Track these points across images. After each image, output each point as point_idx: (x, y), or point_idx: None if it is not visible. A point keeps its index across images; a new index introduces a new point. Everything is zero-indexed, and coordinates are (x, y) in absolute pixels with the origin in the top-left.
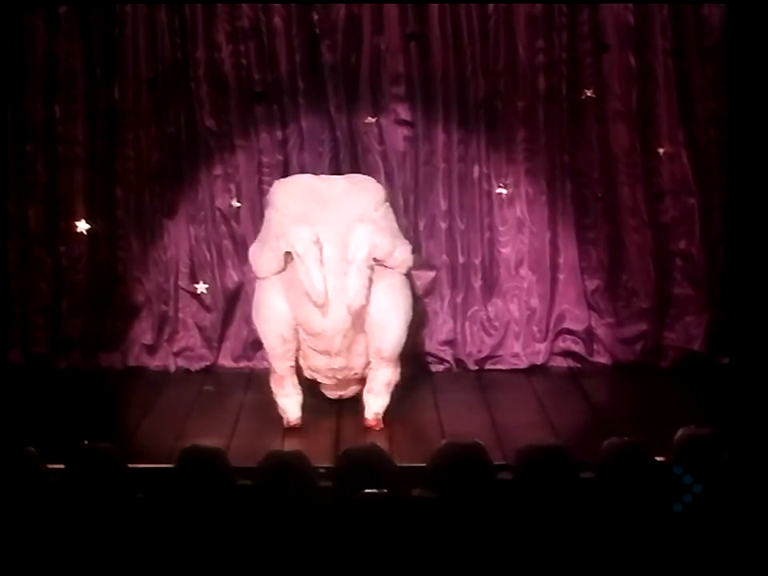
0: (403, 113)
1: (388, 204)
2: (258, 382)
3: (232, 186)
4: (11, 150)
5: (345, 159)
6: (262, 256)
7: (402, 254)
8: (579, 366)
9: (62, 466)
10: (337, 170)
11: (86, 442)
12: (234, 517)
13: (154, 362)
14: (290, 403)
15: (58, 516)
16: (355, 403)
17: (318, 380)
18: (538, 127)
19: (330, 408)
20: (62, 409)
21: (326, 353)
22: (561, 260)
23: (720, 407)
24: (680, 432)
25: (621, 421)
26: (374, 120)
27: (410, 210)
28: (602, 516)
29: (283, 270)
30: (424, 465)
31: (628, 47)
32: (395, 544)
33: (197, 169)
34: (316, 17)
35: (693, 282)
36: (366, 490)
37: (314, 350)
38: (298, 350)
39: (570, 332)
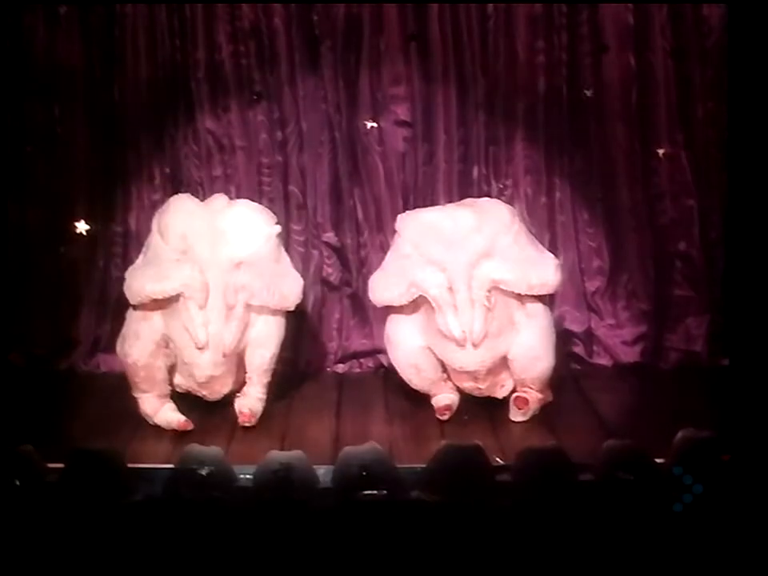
0: (403, 113)
1: (517, 226)
2: None
3: (232, 187)
4: (11, 150)
5: (344, 160)
6: (382, 284)
7: (539, 279)
8: (579, 367)
9: (61, 465)
10: (336, 171)
11: (86, 442)
12: (234, 517)
13: None
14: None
15: (58, 516)
16: (355, 403)
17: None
18: (537, 128)
19: (330, 409)
20: (63, 410)
21: (475, 379)
22: (560, 261)
23: (720, 409)
24: (680, 434)
25: (621, 422)
26: (375, 125)
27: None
28: (602, 518)
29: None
30: (423, 466)
31: (628, 48)
32: (394, 545)
33: (196, 169)
34: (316, 17)
35: (693, 283)
36: (366, 491)
37: (460, 373)
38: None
39: (570, 333)
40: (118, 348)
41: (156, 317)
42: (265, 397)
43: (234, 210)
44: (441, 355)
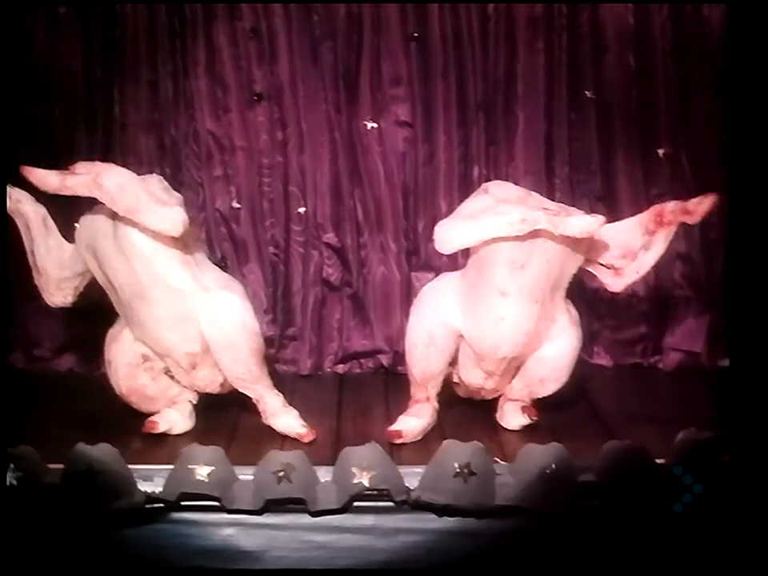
0: (403, 114)
1: None
2: None
3: (232, 188)
4: (11, 150)
5: (344, 161)
6: (456, 229)
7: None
8: (579, 367)
9: (61, 466)
10: (336, 172)
11: (86, 443)
12: (233, 517)
13: None
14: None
15: (58, 517)
16: (356, 403)
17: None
18: (537, 128)
19: (330, 409)
20: (63, 410)
21: (488, 372)
22: None
23: (721, 409)
24: (680, 435)
25: (621, 423)
26: (375, 125)
27: (409, 212)
28: (602, 517)
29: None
30: (424, 466)
31: (628, 48)
32: (394, 546)
33: (196, 170)
34: (316, 18)
35: (693, 283)
36: (366, 492)
37: (475, 365)
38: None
39: None
40: None
41: (125, 336)
42: (281, 397)
43: None
44: (476, 337)
